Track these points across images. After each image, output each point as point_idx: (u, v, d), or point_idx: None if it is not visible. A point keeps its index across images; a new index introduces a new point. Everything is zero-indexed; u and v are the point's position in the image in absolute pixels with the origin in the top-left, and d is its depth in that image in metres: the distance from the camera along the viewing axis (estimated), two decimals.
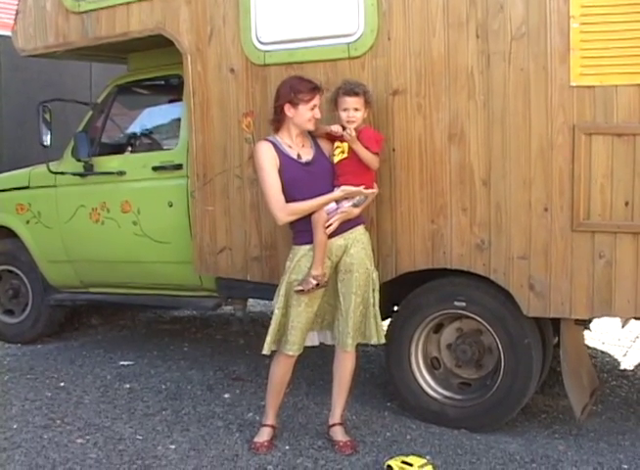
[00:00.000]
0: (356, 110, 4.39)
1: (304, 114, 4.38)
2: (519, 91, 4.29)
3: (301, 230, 4.41)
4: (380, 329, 4.52)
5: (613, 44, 4.06)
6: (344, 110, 4.40)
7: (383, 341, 4.56)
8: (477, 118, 4.42)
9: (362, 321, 4.47)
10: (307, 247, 4.39)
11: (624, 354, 6.48)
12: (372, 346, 4.63)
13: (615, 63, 4.07)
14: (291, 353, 4.44)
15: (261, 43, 4.97)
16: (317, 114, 4.40)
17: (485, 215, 4.47)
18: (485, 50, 4.35)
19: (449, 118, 4.50)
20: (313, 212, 4.33)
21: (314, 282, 4.30)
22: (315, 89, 4.40)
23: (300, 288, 4.31)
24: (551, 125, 4.23)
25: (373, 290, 4.47)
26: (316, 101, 4.39)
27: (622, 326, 5.40)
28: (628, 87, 4.05)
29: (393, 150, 4.65)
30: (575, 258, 4.27)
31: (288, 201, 4.35)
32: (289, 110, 4.39)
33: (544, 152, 4.26)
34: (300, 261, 4.39)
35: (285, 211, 4.35)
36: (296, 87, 4.39)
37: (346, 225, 4.40)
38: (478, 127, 4.42)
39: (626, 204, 4.12)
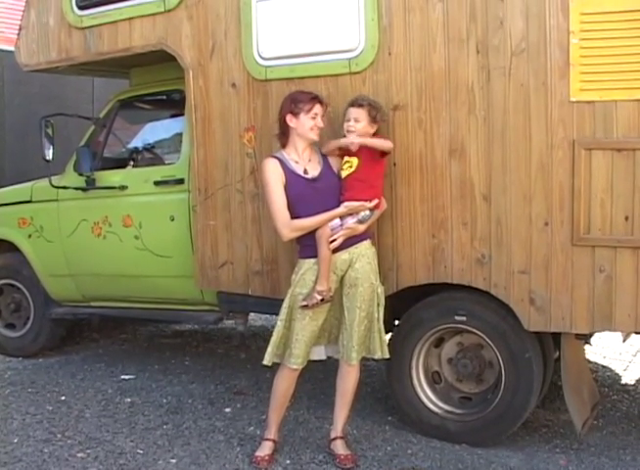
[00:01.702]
0: (357, 120, 4.42)
1: (305, 122, 4.42)
2: (519, 106, 4.31)
3: (307, 244, 4.42)
4: (384, 344, 4.53)
5: (612, 60, 4.07)
6: (347, 120, 4.45)
7: (387, 356, 4.56)
8: (477, 133, 4.44)
9: (367, 335, 4.48)
10: (312, 261, 4.40)
11: (625, 369, 6.47)
12: (373, 360, 4.63)
13: (614, 78, 4.08)
14: (294, 367, 4.44)
15: (263, 58, 5.00)
16: (319, 122, 4.44)
17: (486, 230, 4.48)
18: (486, 65, 4.37)
19: (450, 133, 4.51)
20: (317, 231, 4.35)
21: (319, 297, 4.31)
22: (315, 98, 4.45)
23: (305, 303, 4.32)
24: (551, 140, 4.24)
25: (378, 304, 4.48)
26: (317, 110, 4.43)
27: (623, 340, 5.40)
28: (628, 102, 4.07)
29: (394, 164, 4.66)
30: (576, 272, 4.28)
31: (293, 217, 4.38)
32: (291, 120, 4.44)
33: (544, 167, 4.27)
34: (305, 275, 4.41)
35: (289, 228, 4.37)
36: (295, 98, 4.47)
37: (352, 240, 4.42)
38: (478, 142, 4.44)
39: (626, 218, 4.13)
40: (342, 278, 4.46)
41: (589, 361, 6.19)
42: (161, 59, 5.54)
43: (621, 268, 4.19)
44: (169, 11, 5.33)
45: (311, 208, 4.37)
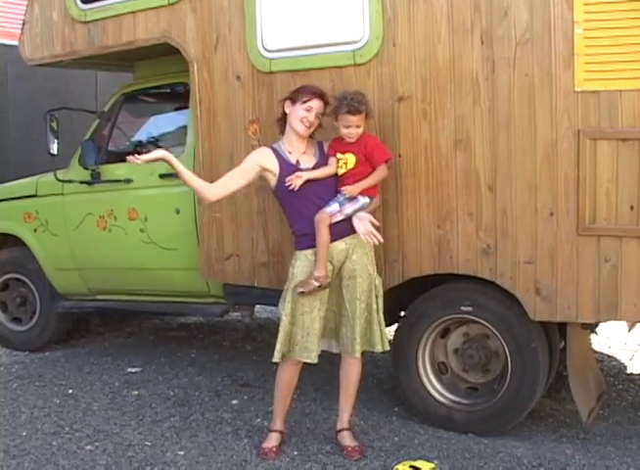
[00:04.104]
0: (358, 127, 4.39)
1: (298, 112, 4.41)
2: (523, 97, 4.31)
3: (304, 234, 4.42)
4: (384, 336, 4.51)
5: (617, 49, 4.07)
6: (347, 127, 4.38)
7: (387, 348, 4.55)
8: (482, 124, 4.44)
9: (367, 328, 4.46)
10: (309, 251, 4.41)
11: (631, 358, 6.48)
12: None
13: (619, 68, 4.08)
14: (309, 361, 4.41)
15: (267, 51, 5.00)
16: (311, 117, 4.40)
17: (491, 220, 4.48)
18: (490, 56, 4.37)
19: (455, 124, 4.51)
20: (314, 217, 4.35)
21: (316, 284, 4.30)
22: (316, 94, 4.42)
23: (302, 289, 4.31)
24: (556, 130, 4.24)
25: (376, 296, 4.46)
26: (314, 104, 4.40)
27: (629, 330, 5.41)
28: (633, 92, 4.07)
29: (399, 156, 4.66)
30: (581, 262, 4.28)
31: (288, 207, 4.47)
32: (288, 106, 4.46)
33: (549, 157, 4.27)
34: (304, 267, 4.41)
35: (215, 190, 4.53)
36: (300, 88, 4.50)
37: (348, 229, 4.41)
38: (483, 133, 4.44)
39: (632, 208, 4.13)
40: (340, 270, 4.44)
41: (595, 351, 6.20)
42: (165, 52, 5.54)
43: (627, 258, 4.19)
44: (173, 4, 5.34)
45: (304, 197, 4.39)
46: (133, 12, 5.54)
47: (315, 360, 4.42)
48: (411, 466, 4.22)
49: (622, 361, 6.42)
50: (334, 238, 4.38)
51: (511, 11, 4.29)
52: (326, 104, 4.45)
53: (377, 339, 4.47)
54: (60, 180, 6.35)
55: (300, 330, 4.39)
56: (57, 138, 6.31)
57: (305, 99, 4.40)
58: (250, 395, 5.62)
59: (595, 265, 4.26)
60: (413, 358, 4.92)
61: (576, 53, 4.14)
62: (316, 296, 4.36)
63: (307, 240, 4.41)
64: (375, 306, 4.46)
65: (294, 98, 4.44)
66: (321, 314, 4.41)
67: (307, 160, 4.48)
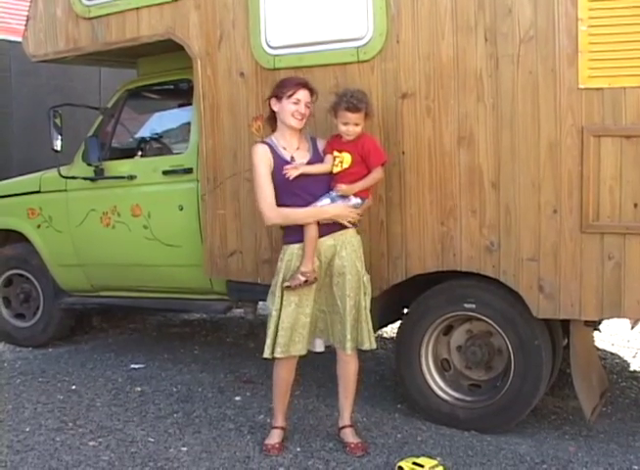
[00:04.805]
0: (356, 125, 4.39)
1: (287, 107, 4.39)
2: (527, 94, 4.30)
3: (292, 228, 4.41)
4: (371, 334, 4.50)
5: (621, 46, 4.07)
6: (345, 123, 4.38)
7: (374, 346, 4.53)
8: (485, 121, 4.44)
9: (355, 325, 4.45)
10: (297, 246, 4.40)
11: (634, 356, 6.48)
12: (381, 348, 4.62)
13: (623, 65, 4.08)
14: (279, 356, 4.43)
15: (271, 47, 5.00)
16: (301, 108, 4.39)
17: (495, 217, 4.48)
18: (494, 53, 4.37)
19: (458, 121, 4.51)
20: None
21: (302, 279, 4.30)
22: (300, 84, 4.42)
23: (288, 284, 4.33)
24: (560, 128, 4.24)
25: (364, 293, 4.45)
26: (300, 95, 4.39)
27: (632, 327, 5.41)
28: (636, 89, 4.06)
29: (403, 153, 4.66)
30: (585, 259, 4.28)
31: (278, 203, 4.40)
32: (275, 104, 4.45)
33: (553, 154, 4.27)
34: (291, 261, 4.40)
35: (276, 212, 4.37)
36: (282, 82, 4.48)
37: (337, 226, 4.41)
38: (487, 130, 4.44)
39: (635, 205, 4.13)
40: (330, 267, 4.43)
41: (598, 348, 6.19)
42: (169, 48, 5.54)
43: (630, 255, 4.18)
44: (177, 0, 5.33)
45: (297, 194, 4.38)
46: (137, 8, 5.53)
47: (281, 355, 4.41)
48: (414, 463, 4.21)
49: (626, 359, 6.41)
50: (322, 234, 4.38)
51: (515, 8, 4.28)
52: (311, 92, 4.44)
53: (364, 337, 4.46)
54: (63, 176, 6.35)
55: (279, 324, 4.40)
56: (60, 134, 6.31)
57: (290, 92, 4.39)
58: (252, 391, 5.63)
59: (598, 263, 4.25)
60: (416, 355, 4.92)
61: (580, 50, 4.14)
62: (297, 292, 4.37)
63: (294, 234, 4.40)
64: (363, 304, 4.45)
65: (278, 94, 4.43)
66: (301, 310, 4.40)
67: (301, 155, 4.48)
